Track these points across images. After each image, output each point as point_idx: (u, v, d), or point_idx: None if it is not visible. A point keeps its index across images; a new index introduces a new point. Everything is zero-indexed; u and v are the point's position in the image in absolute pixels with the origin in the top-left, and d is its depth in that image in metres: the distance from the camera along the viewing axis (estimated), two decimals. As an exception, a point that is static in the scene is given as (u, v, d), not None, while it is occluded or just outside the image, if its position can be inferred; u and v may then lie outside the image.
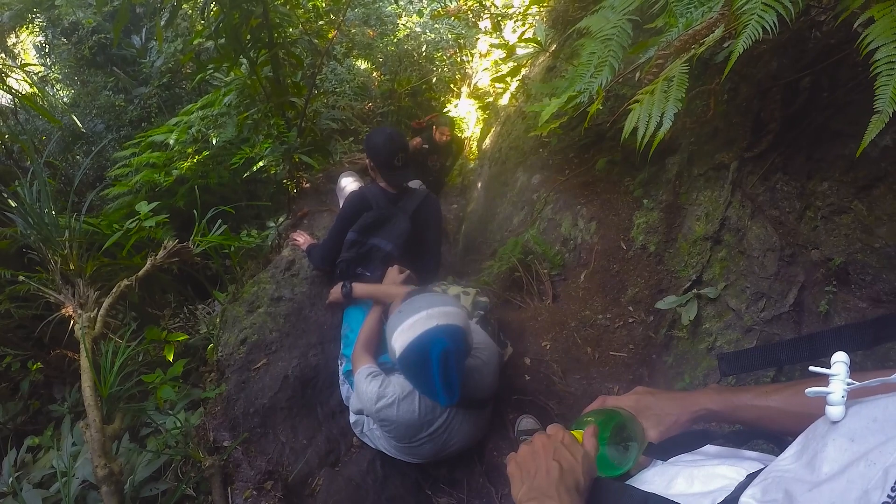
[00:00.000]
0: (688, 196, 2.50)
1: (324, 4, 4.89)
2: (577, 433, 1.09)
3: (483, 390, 2.40)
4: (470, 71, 7.11)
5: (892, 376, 0.70)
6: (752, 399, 1.03)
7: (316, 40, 4.87)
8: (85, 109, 6.88)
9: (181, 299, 4.03)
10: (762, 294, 2.01)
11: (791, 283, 1.96)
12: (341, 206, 3.48)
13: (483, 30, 6.14)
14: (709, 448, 1.02)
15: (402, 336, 2.10)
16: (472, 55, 6.69)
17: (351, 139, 6.01)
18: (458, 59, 7.12)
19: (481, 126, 6.28)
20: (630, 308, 2.60)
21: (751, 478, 0.82)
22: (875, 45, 1.28)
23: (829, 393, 0.73)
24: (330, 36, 4.96)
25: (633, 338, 2.52)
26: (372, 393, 2.30)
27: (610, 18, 2.37)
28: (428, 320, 2.07)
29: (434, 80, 7.22)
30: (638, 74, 2.16)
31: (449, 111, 6.84)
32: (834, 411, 0.71)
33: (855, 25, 1.36)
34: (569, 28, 3.66)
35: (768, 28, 1.41)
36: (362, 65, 6.35)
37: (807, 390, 0.76)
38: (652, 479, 0.99)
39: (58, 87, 7.89)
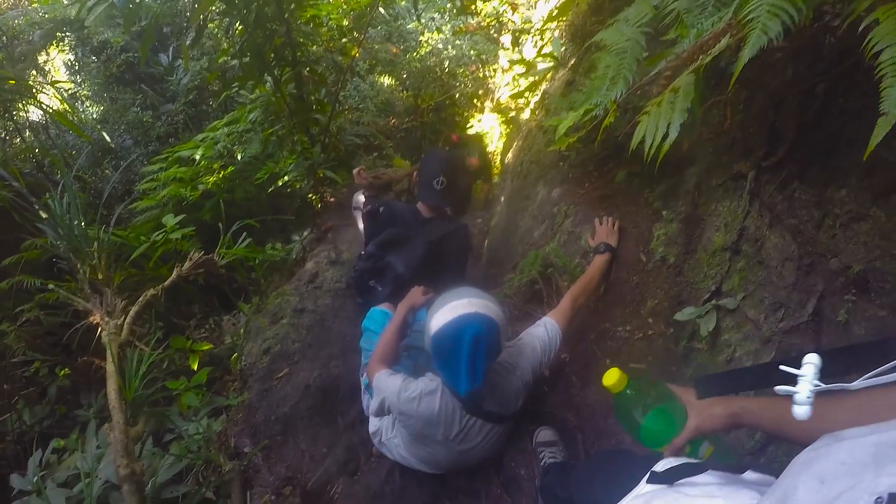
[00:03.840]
0: (707, 207, 2.50)
1: (347, 22, 4.98)
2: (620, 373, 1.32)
3: (502, 405, 2.42)
4: (492, 86, 7.16)
5: (853, 384, 0.72)
6: (771, 408, 1.05)
7: (339, 58, 4.96)
8: (114, 125, 7.03)
9: (206, 310, 4.10)
10: (780, 304, 2.00)
11: (810, 292, 1.95)
12: (357, 220, 3.53)
13: (503, 45, 6.20)
14: (708, 477, 1.03)
15: (440, 316, 2.15)
16: (494, 71, 6.74)
17: (375, 154, 6.07)
18: (481, 75, 7.17)
19: (504, 140, 6.32)
20: (650, 320, 2.59)
21: None
22: (880, 46, 1.29)
23: (795, 392, 0.74)
24: (353, 53, 5.05)
25: (653, 350, 2.51)
26: (395, 386, 2.36)
27: (624, 31, 2.40)
28: (468, 306, 2.13)
29: (457, 95, 7.28)
30: (655, 88, 2.19)
31: (472, 126, 6.89)
32: (799, 411, 0.72)
33: (860, 28, 1.36)
34: (586, 41, 3.69)
35: (773, 37, 1.43)
36: (385, 81, 6.43)
37: (776, 388, 0.78)
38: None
39: (87, 103, 8.07)
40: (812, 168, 2.01)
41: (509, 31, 5.75)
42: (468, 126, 7.03)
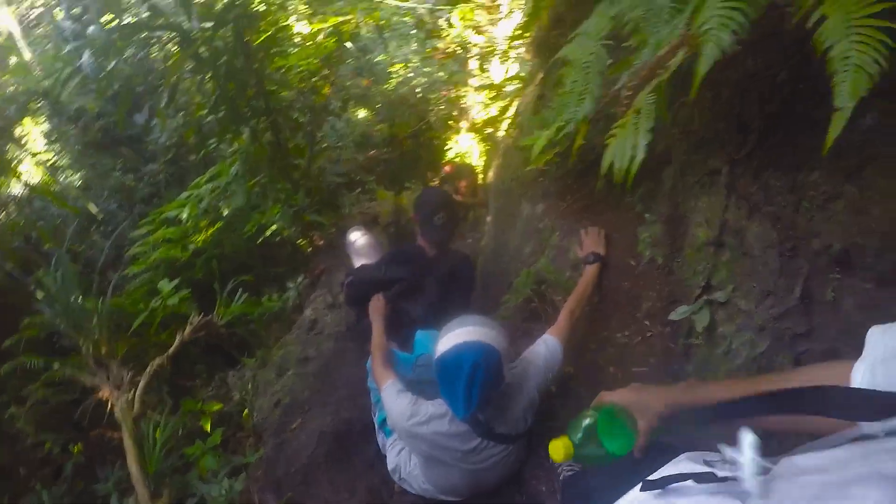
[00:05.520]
0: (686, 204, 2.54)
1: (317, 61, 5.03)
2: (561, 441, 1.35)
3: (512, 426, 2.45)
4: (465, 106, 7.20)
5: (795, 458, 0.75)
6: (717, 392, 1.10)
7: (313, 97, 5.03)
8: (97, 192, 7.05)
9: (211, 368, 4.11)
10: (769, 291, 2.04)
11: (795, 275, 1.98)
12: (353, 259, 3.56)
13: (470, 73, 6.25)
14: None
15: (444, 342, 2.26)
16: (466, 91, 6.79)
17: (358, 190, 6.11)
18: (453, 96, 7.22)
19: (484, 158, 6.37)
20: (646, 322, 2.62)
21: None
22: (829, 42, 1.33)
23: (741, 471, 0.78)
24: (325, 92, 5.11)
25: (654, 351, 2.55)
26: (404, 409, 2.41)
27: (587, 45, 2.46)
28: (471, 334, 2.23)
29: (433, 119, 7.32)
30: (618, 109, 2.25)
31: (451, 148, 6.94)
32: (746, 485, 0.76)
33: (808, 25, 1.40)
34: (552, 55, 3.74)
35: (725, 48, 1.47)
36: (360, 114, 6.48)
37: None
38: None
39: (68, 171, 8.09)
40: (783, 154, 2.05)
41: (475, 55, 5.82)
42: (447, 148, 7.06)
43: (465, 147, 6.85)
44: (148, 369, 2.94)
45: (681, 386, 1.29)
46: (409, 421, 2.38)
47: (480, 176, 6.30)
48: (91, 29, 3.64)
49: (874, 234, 1.72)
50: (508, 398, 2.42)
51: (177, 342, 3.11)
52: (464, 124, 7.28)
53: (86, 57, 3.60)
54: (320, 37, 4.80)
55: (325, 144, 5.48)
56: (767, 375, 1.16)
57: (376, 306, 3.09)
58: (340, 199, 5.39)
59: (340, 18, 4.65)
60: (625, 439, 1.30)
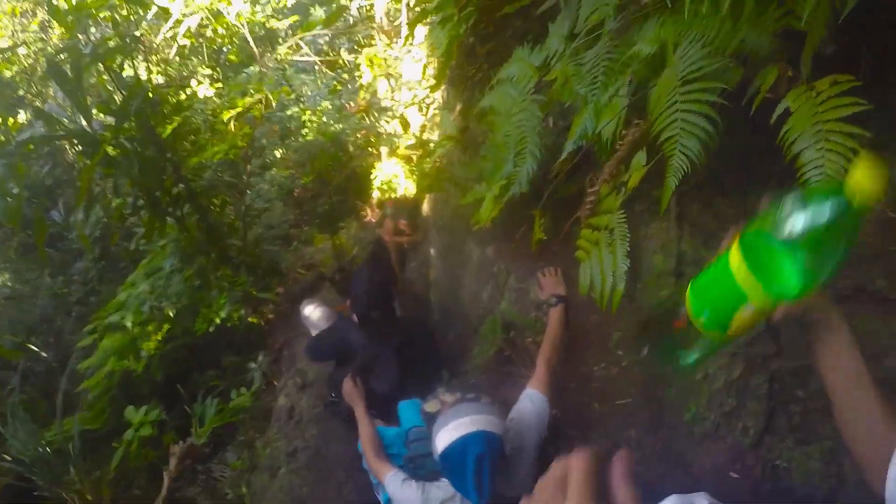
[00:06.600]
0: (637, 232, 2.59)
1: (236, 149, 4.88)
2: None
3: (518, 488, 2.48)
4: (384, 132, 7.10)
5: None
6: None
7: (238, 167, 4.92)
8: (29, 301, 6.79)
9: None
10: (735, 319, 2.12)
11: (757, 304, 2.07)
12: (312, 332, 3.52)
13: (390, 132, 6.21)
14: None
15: (445, 435, 2.24)
16: (387, 119, 6.70)
17: (295, 242, 6.06)
18: (367, 121, 7.13)
19: (414, 183, 6.32)
20: (620, 352, 2.67)
21: None
22: (798, 147, 1.28)
23: None
24: (247, 167, 5.00)
25: (633, 381, 2.60)
26: (414, 499, 2.43)
27: (513, 96, 2.47)
28: (471, 425, 2.22)
29: (350, 148, 7.23)
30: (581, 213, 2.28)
31: (375, 177, 6.88)
32: None
33: (772, 119, 1.38)
34: (466, 83, 3.77)
35: (693, 157, 1.45)
36: (282, 173, 6.38)
37: None
38: None
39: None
40: (731, 183, 2.12)
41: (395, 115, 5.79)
42: (371, 177, 6.97)
43: (389, 173, 6.81)
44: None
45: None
46: None
47: (414, 203, 6.28)
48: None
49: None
50: (513, 466, 2.45)
51: (166, 482, 3.03)
52: (384, 150, 7.22)
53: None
54: (231, 125, 4.68)
55: (255, 210, 5.38)
56: None
57: (351, 392, 3.05)
58: (282, 261, 5.32)
59: (250, 101, 4.55)
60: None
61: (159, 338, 4.29)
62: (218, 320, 4.27)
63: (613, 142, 1.97)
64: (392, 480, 2.53)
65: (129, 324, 4.32)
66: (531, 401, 2.57)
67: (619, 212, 1.87)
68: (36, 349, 5.30)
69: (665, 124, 1.54)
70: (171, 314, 4.34)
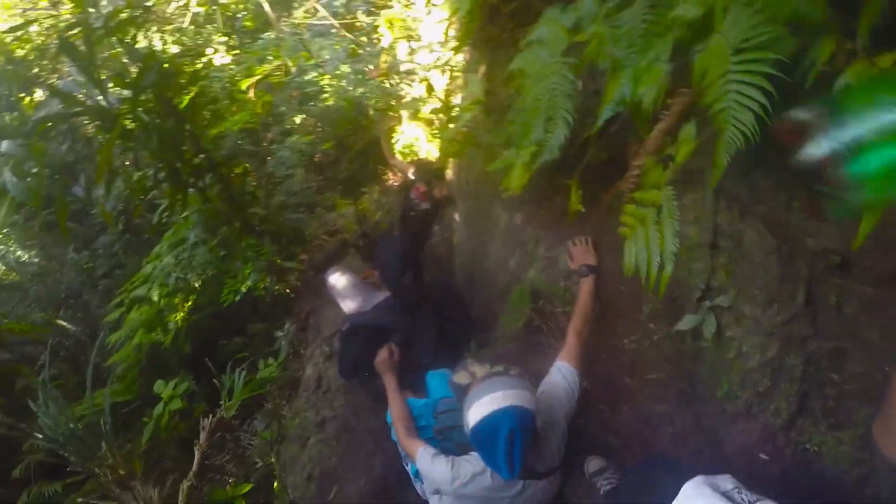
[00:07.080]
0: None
1: (255, 118, 4.83)
2: None
3: (549, 461, 2.48)
4: (404, 94, 6.98)
5: None
6: None
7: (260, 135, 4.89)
8: (55, 277, 6.88)
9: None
10: (773, 299, 2.05)
11: (797, 281, 2.00)
12: (339, 302, 3.50)
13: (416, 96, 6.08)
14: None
15: (477, 410, 2.22)
16: (409, 83, 6.58)
17: (318, 209, 6.02)
18: (388, 84, 7.03)
19: (438, 146, 6.22)
20: (651, 325, 2.62)
21: None
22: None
23: None
24: (269, 136, 4.96)
25: (665, 355, 2.56)
26: (445, 474, 2.43)
27: (544, 59, 2.37)
28: (504, 399, 2.20)
29: (371, 112, 7.14)
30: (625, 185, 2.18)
31: (397, 140, 6.80)
32: None
33: (830, 93, 1.33)
34: (492, 46, 3.63)
35: (748, 132, 1.37)
36: (303, 139, 6.31)
37: None
38: None
39: (21, 254, 7.83)
40: (768, 152, 2.03)
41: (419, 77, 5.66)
42: (393, 140, 6.88)
43: (411, 136, 6.72)
44: (180, 495, 2.89)
45: None
46: (453, 484, 2.40)
47: (437, 166, 6.20)
48: (4, 146, 3.42)
49: (870, 236, 1.69)
50: (542, 440, 2.44)
51: (197, 457, 3.07)
52: (404, 113, 7.11)
53: (7, 177, 3.40)
54: (250, 93, 4.61)
55: (277, 178, 5.34)
56: None
57: (386, 360, 3.05)
58: (306, 228, 5.30)
59: (268, 68, 4.47)
60: None
61: (186, 310, 4.32)
62: (244, 289, 4.28)
63: (654, 110, 1.88)
64: (422, 456, 2.54)
65: (155, 296, 4.35)
66: (562, 374, 2.54)
67: (668, 188, 1.79)
68: (64, 324, 5.36)
69: (717, 95, 1.45)
70: (196, 285, 4.36)
